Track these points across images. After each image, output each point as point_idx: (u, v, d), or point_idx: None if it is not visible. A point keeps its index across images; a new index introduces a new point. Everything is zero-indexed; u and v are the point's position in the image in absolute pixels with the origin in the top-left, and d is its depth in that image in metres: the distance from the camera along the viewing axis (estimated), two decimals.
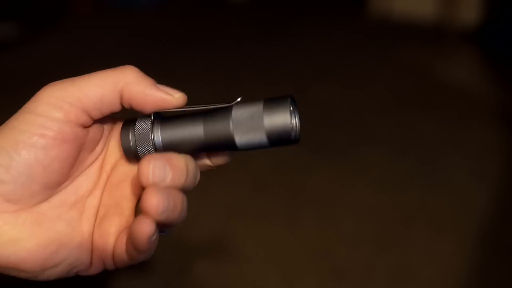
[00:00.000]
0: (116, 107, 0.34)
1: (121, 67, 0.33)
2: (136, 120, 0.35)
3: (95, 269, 0.35)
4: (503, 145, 1.51)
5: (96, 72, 0.33)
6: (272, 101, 0.32)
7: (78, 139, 0.33)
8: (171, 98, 0.34)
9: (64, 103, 0.32)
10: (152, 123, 0.34)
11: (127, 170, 0.36)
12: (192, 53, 2.16)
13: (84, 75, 0.33)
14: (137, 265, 1.14)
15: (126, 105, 0.34)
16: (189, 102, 0.35)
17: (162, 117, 0.35)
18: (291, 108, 0.32)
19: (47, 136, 0.31)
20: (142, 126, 0.34)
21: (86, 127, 0.33)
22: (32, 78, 1.95)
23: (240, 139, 0.33)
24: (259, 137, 0.32)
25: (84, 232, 0.34)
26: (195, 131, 0.34)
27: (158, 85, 0.34)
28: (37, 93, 0.33)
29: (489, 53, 2.21)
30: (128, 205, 0.35)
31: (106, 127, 0.36)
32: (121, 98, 0.33)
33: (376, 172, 1.41)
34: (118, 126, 0.37)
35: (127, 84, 0.32)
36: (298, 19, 2.60)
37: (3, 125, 0.32)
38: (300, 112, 0.33)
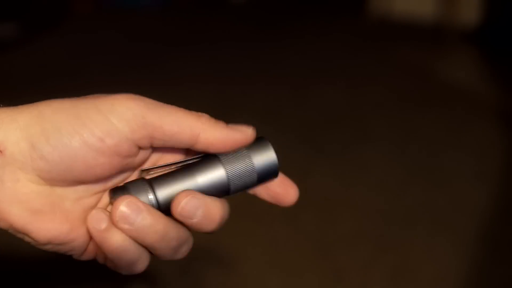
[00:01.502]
0: (181, 146, 0.35)
1: (197, 114, 0.34)
2: (128, 188, 0.34)
3: (86, 257, 0.36)
4: (503, 145, 1.51)
5: (176, 108, 0.34)
6: (254, 145, 0.35)
7: (129, 157, 0.33)
8: (246, 136, 0.35)
9: (136, 123, 0.32)
10: (149, 186, 0.34)
11: None
12: (192, 54, 2.16)
13: (164, 105, 0.33)
14: None
15: (201, 148, 0.34)
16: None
17: (150, 180, 0.35)
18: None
19: (105, 143, 0.31)
20: (137, 189, 0.34)
21: (142, 149, 0.34)
22: (31, 78, 1.95)
23: (235, 185, 0.35)
24: (250, 180, 0.35)
25: None
26: (189, 185, 0.34)
27: (229, 126, 0.35)
28: (118, 96, 0.33)
29: (489, 53, 2.21)
30: None
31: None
32: (196, 142, 0.34)
33: (376, 172, 1.41)
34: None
35: (205, 131, 0.34)
36: (298, 20, 2.60)
37: (67, 104, 0.32)
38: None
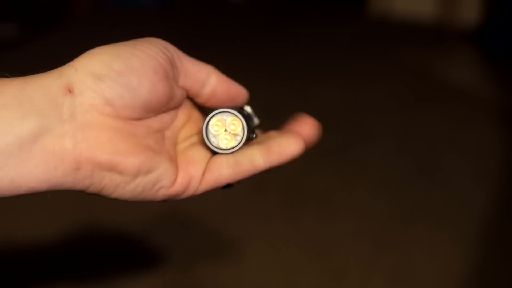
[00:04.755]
0: (197, 86, 0.41)
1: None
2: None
3: (177, 189, 0.35)
4: (503, 145, 1.51)
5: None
6: None
7: (172, 84, 0.37)
8: (244, 91, 0.42)
9: (167, 56, 0.37)
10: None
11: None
12: (191, 53, 2.15)
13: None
14: (138, 266, 1.14)
15: (207, 93, 0.40)
16: None
17: None
18: None
19: (158, 60, 0.35)
20: None
21: (174, 83, 0.38)
22: None
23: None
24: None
25: (170, 151, 0.36)
26: None
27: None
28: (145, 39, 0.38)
29: (489, 53, 2.21)
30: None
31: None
32: (207, 83, 0.41)
33: (376, 172, 1.41)
34: None
35: (216, 72, 0.42)
36: (298, 19, 2.60)
37: (113, 45, 0.35)
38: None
